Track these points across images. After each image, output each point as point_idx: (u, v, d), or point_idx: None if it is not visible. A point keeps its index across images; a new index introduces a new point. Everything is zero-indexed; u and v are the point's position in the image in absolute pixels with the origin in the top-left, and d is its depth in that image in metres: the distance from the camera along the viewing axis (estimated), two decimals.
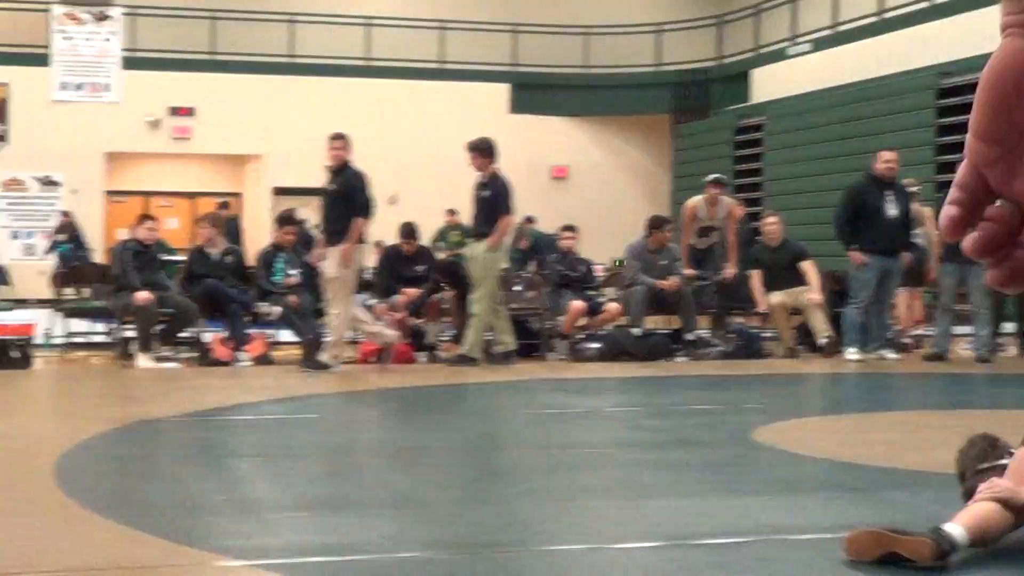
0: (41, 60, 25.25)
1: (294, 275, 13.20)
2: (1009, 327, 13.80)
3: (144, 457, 7.28)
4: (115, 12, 25.78)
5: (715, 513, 5.60)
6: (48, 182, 25.59)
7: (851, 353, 12.91)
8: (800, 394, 11.53)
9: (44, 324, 13.82)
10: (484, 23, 27.74)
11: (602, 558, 4.87)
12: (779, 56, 25.09)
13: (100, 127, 25.39)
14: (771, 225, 14.31)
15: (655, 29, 28.31)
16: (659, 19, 28.43)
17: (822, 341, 13.46)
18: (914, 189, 13.87)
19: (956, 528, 4.44)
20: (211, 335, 12.98)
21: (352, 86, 26.57)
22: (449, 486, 6.48)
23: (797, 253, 14.11)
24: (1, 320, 13.78)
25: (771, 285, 13.77)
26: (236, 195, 27.69)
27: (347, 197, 11.74)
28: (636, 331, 13.58)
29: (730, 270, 14.23)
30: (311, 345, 12.11)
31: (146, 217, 13.67)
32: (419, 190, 25.23)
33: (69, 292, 15.03)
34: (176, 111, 26.27)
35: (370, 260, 13.86)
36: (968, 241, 0.89)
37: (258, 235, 22.27)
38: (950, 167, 15.62)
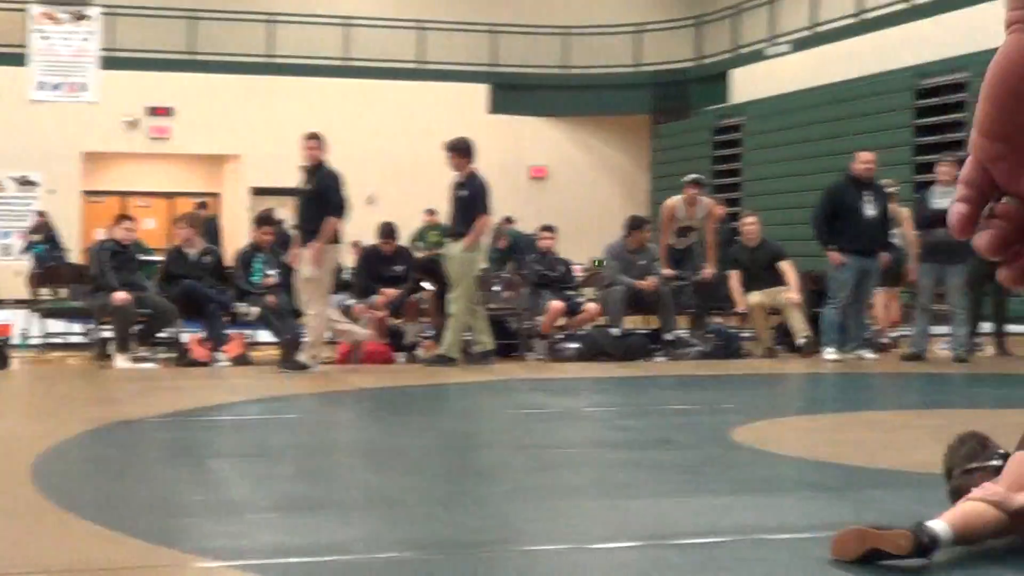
0: (18, 60, 25.16)
1: (272, 275, 13.18)
2: (987, 327, 13.84)
3: (122, 458, 7.25)
4: (93, 12, 25.70)
5: (692, 513, 5.60)
6: (25, 182, 25.51)
7: (829, 353, 12.94)
8: (778, 394, 11.55)
9: (21, 325, 13.77)
10: (463, 23, 27.75)
11: (580, 558, 4.87)
12: (758, 57, 25.14)
13: (78, 127, 25.32)
14: (749, 225, 14.34)
15: (635, 29, 28.34)
16: (638, 19, 28.46)
17: (800, 341, 13.49)
18: (892, 190, 13.91)
19: (939, 524, 4.45)
20: (189, 336, 12.95)
21: (331, 86, 26.55)
22: (428, 486, 6.47)
23: (775, 253, 14.14)
24: None
25: (749, 285, 13.80)
26: (214, 195, 27.64)
27: (322, 197, 11.74)
28: (615, 331, 13.59)
29: (708, 270, 14.25)
30: (289, 345, 12.09)
31: (123, 217, 13.63)
32: (398, 190, 25.23)
33: (46, 292, 14.97)
34: (154, 111, 26.21)
35: (347, 260, 13.86)
36: (980, 240, 0.88)
37: (236, 235, 22.22)
38: (928, 167, 15.66)
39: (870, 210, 12.94)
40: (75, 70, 25.50)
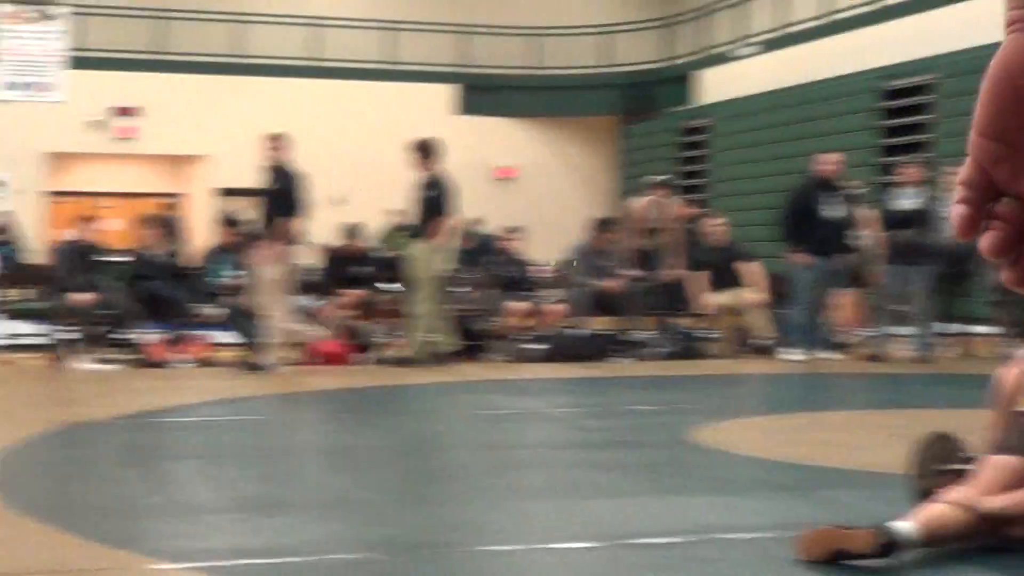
0: None
1: (238, 276, 13.14)
2: (953, 328, 13.90)
3: (81, 460, 7.22)
4: (61, 11, 25.58)
5: (653, 513, 5.62)
6: None
7: (792, 354, 12.98)
8: (740, 395, 11.58)
9: None
10: (433, 24, 27.72)
11: (540, 558, 4.88)
12: (725, 58, 25.19)
13: (44, 127, 25.18)
14: (716, 226, 14.37)
15: (603, 30, 28.36)
16: (607, 20, 28.48)
17: (764, 342, 13.53)
18: (858, 191, 13.96)
19: (907, 524, 4.46)
20: (152, 337, 12.90)
21: (300, 87, 26.48)
22: (388, 487, 6.47)
23: (741, 254, 14.18)
24: None
25: (715, 286, 13.83)
26: (182, 196, 27.54)
27: (281, 197, 11.75)
28: (580, 332, 13.60)
29: (674, 271, 14.27)
30: (253, 347, 12.06)
31: (88, 218, 13.58)
32: (368, 191, 25.16)
33: (13, 294, 14.89)
34: (121, 111, 26.09)
35: (309, 260, 13.82)
36: (984, 242, 0.88)
37: (203, 236, 22.14)
38: (894, 169, 15.71)
39: (835, 212, 12.99)
40: (43, 70, 25.36)
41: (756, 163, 22.55)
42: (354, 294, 13.57)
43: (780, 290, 13.96)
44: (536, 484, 6.46)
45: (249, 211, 17.44)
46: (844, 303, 14.07)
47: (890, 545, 4.38)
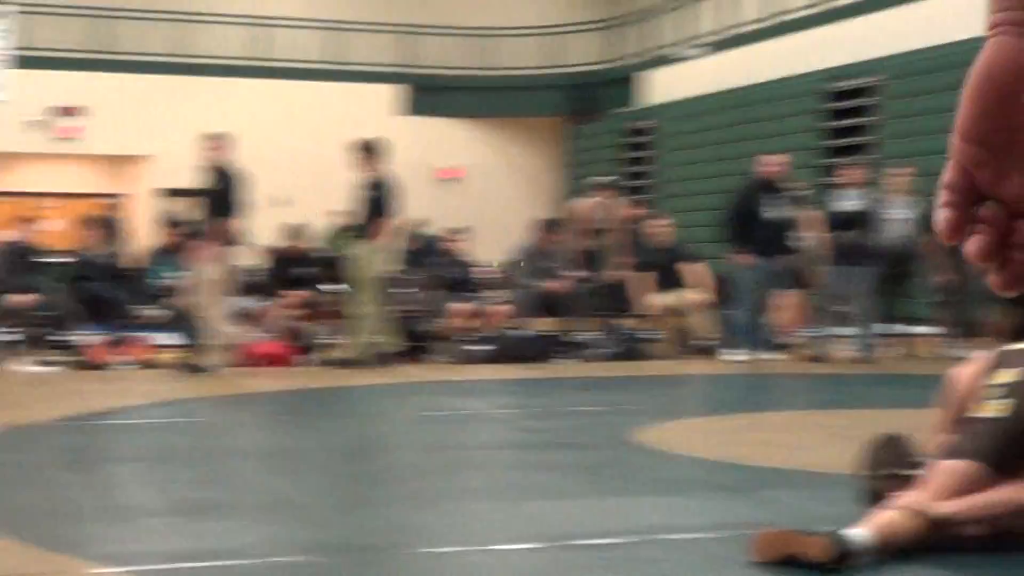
0: None
1: (180, 277, 13.06)
2: (895, 328, 13.99)
3: (17, 463, 7.13)
4: (9, 10, 25.33)
5: (595, 514, 5.61)
6: None
7: (735, 354, 13.03)
8: (683, 395, 11.62)
9: None
10: (379, 24, 27.66)
11: (482, 560, 4.87)
12: (671, 59, 25.26)
13: None
14: (660, 228, 14.40)
15: (549, 31, 28.38)
16: (553, 21, 28.51)
17: (707, 343, 13.57)
18: (802, 193, 14.03)
19: (860, 531, 4.47)
20: (94, 338, 12.79)
21: (245, 87, 26.36)
22: (329, 489, 6.44)
23: (685, 255, 14.23)
24: None
25: (659, 287, 13.87)
26: (124, 196, 27.34)
27: (222, 198, 11.70)
28: (524, 333, 13.60)
29: (619, 272, 14.29)
30: (195, 348, 11.98)
31: (29, 219, 13.46)
32: (313, 191, 25.06)
33: None
34: (64, 111, 25.88)
35: (252, 261, 13.76)
36: (969, 247, 0.87)
37: (146, 237, 22.00)
38: (838, 171, 15.79)
39: (778, 213, 13.05)
40: None
41: (701, 164, 22.63)
42: (298, 295, 13.51)
43: (724, 291, 14.01)
44: (478, 485, 6.45)
45: (192, 212, 17.37)
46: (787, 304, 14.13)
47: (845, 555, 4.39)
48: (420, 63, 27.90)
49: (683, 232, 15.88)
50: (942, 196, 0.87)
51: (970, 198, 0.86)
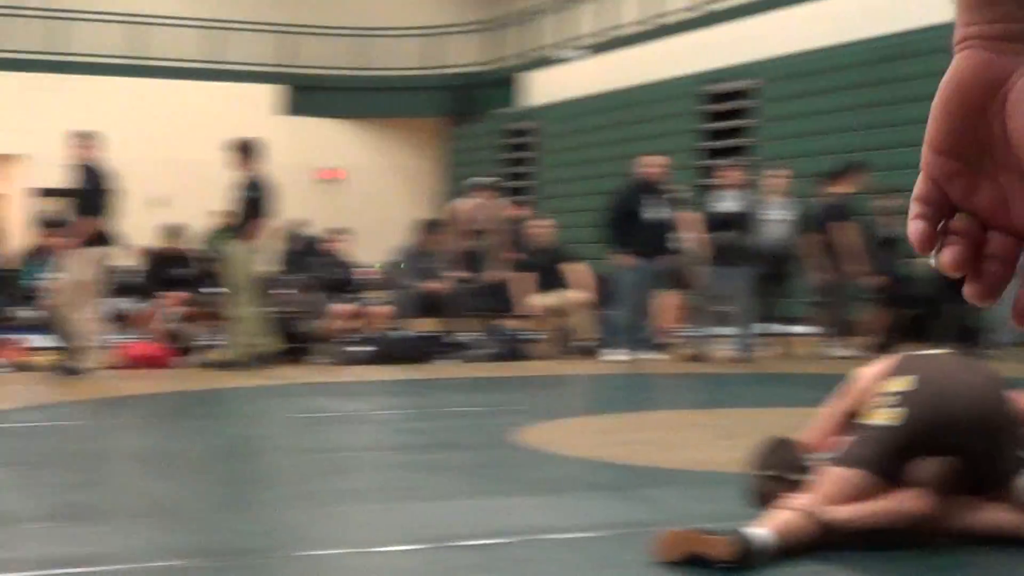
0: None
1: (56, 278, 12.83)
2: (773, 328, 14.16)
3: None
4: None
5: (476, 514, 5.61)
6: None
7: (616, 354, 13.11)
8: (563, 395, 11.65)
9: None
10: (258, 24, 27.44)
11: (362, 562, 4.84)
12: (551, 61, 25.36)
13: None
14: (541, 228, 14.45)
15: (430, 32, 28.36)
16: (434, 22, 28.49)
17: (588, 343, 13.63)
18: (681, 194, 14.15)
19: (762, 532, 4.49)
20: None
21: (121, 85, 26.00)
22: (206, 493, 6.36)
23: (566, 256, 14.28)
24: None
25: (540, 287, 13.90)
26: None
27: (89, 197, 11.53)
28: (405, 334, 13.56)
29: (500, 273, 14.31)
30: (68, 350, 11.79)
31: None
32: (191, 191, 24.80)
33: None
34: None
35: (127, 261, 13.57)
36: (943, 258, 0.86)
37: (20, 237, 21.61)
38: (716, 172, 15.96)
39: (656, 213, 13.15)
40: None
41: (581, 165, 22.75)
42: (176, 296, 13.34)
43: (604, 291, 14.08)
44: (358, 487, 6.41)
45: (68, 212, 17.09)
46: (667, 304, 14.25)
47: (748, 554, 4.41)
48: (300, 63, 27.73)
49: (564, 233, 15.95)
50: (913, 208, 0.87)
51: (942, 211, 0.86)
